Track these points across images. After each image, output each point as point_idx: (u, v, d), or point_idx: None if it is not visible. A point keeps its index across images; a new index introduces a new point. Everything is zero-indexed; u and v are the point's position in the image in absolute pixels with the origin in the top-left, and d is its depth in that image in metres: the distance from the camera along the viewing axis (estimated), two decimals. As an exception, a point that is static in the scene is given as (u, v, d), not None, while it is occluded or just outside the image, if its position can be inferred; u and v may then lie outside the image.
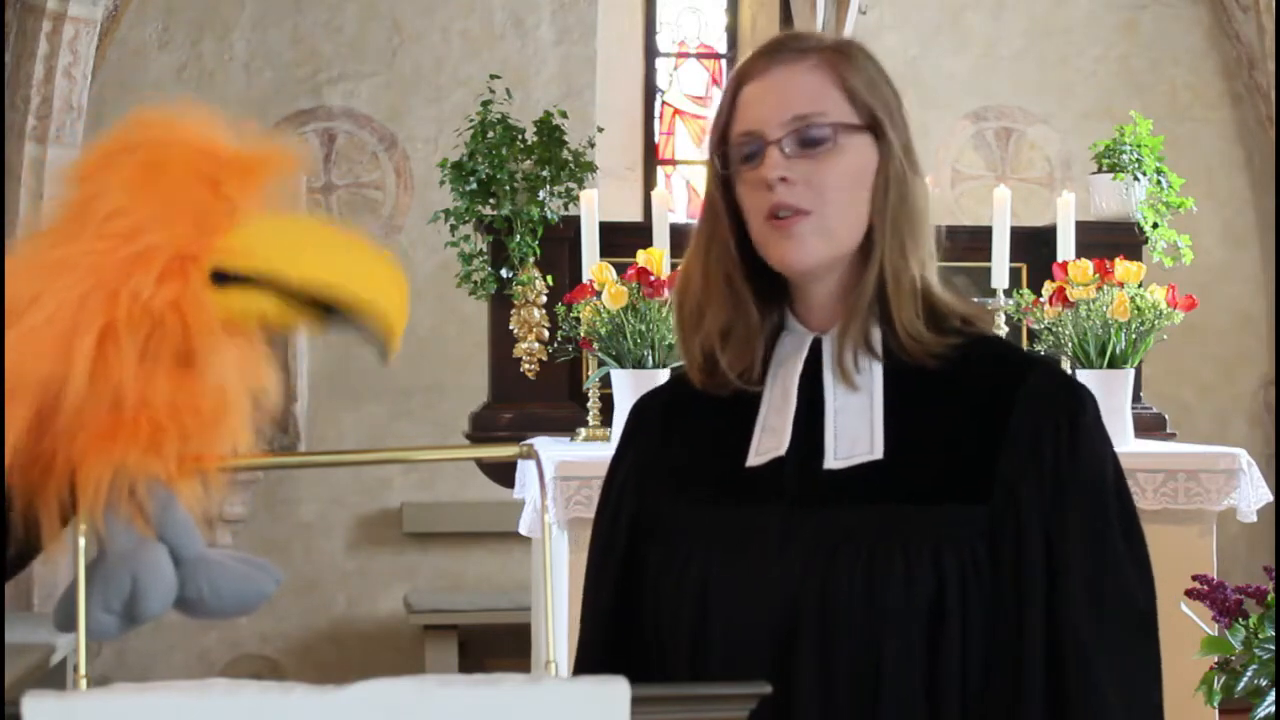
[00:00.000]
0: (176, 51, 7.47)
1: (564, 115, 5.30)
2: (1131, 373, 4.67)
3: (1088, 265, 4.69)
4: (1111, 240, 5.33)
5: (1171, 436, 5.35)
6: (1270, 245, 7.75)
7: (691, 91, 8.23)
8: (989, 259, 4.97)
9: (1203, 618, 2.76)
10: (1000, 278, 4.99)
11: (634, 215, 7.51)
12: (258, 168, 1.48)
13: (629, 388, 4.29)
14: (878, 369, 1.78)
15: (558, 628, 1.37)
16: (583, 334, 4.55)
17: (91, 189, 1.47)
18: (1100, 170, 5.64)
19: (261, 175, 1.49)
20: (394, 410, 7.43)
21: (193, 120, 1.49)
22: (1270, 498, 4.43)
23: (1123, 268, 4.69)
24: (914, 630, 1.69)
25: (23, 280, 1.41)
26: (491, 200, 5.16)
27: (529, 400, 5.22)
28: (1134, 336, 4.63)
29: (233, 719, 1.22)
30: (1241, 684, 2.64)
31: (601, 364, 4.55)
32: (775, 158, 1.74)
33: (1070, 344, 4.67)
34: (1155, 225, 5.46)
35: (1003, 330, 4.97)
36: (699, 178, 8.20)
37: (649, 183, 7.77)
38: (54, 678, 6.22)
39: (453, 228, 5.22)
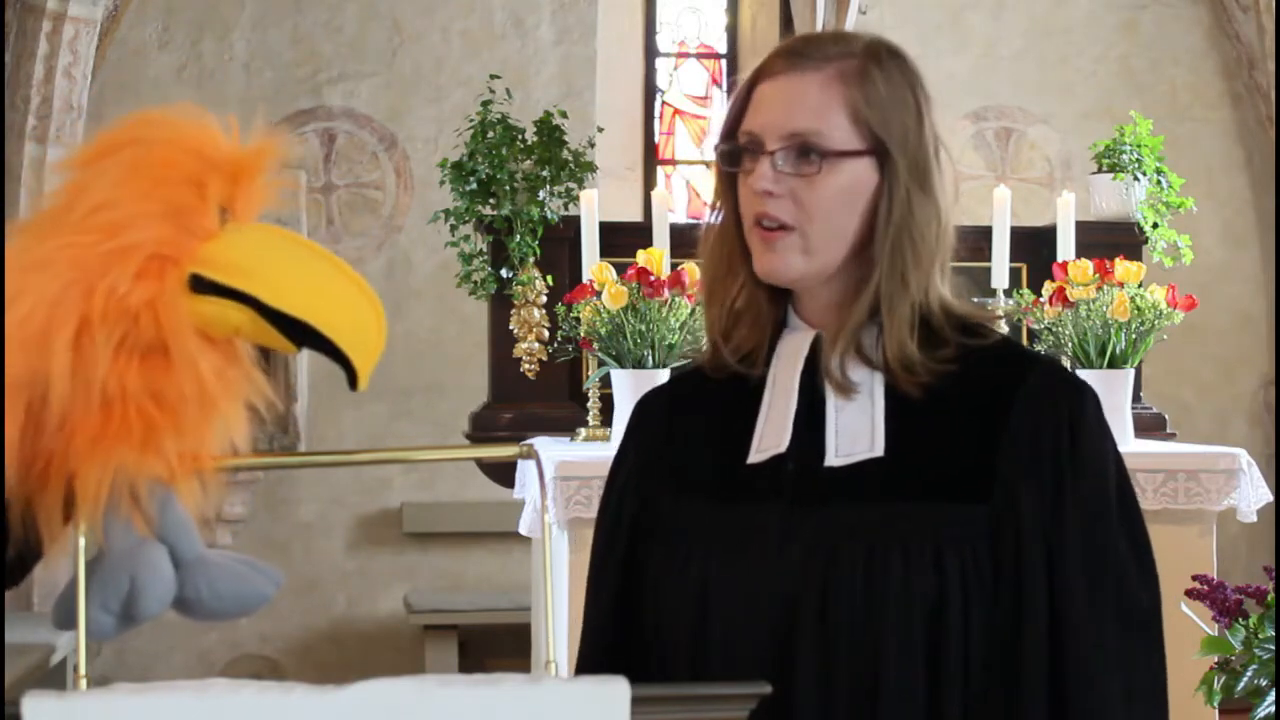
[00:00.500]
0: (176, 51, 7.47)
1: (564, 115, 5.30)
2: (1131, 373, 4.67)
3: (1088, 265, 4.69)
4: (1111, 240, 5.33)
5: (1171, 436, 5.35)
6: (1270, 245, 7.75)
7: (691, 91, 8.23)
8: (989, 259, 4.97)
9: (1203, 618, 2.76)
10: (1000, 278, 4.99)
11: (634, 215, 7.51)
12: (248, 171, 1.48)
13: (629, 388, 4.29)
14: (878, 372, 1.78)
15: (558, 628, 1.37)
16: (583, 334, 4.55)
17: (80, 183, 1.47)
18: (1100, 170, 5.64)
19: (251, 180, 1.48)
20: (394, 410, 7.43)
21: (188, 121, 1.48)
22: (1270, 498, 4.43)
23: (1123, 268, 4.69)
24: (914, 629, 1.69)
25: (7, 276, 1.41)
26: (491, 200, 5.16)
27: (529, 400, 5.22)
28: (1134, 336, 4.63)
29: (233, 719, 1.22)
30: (1241, 684, 2.64)
31: (601, 364, 4.55)
32: (766, 170, 1.74)
33: (1070, 344, 4.67)
34: (1155, 225, 5.46)
35: (1003, 330, 4.97)
36: (699, 178, 8.20)
37: (649, 183, 7.77)
38: (54, 678, 6.22)
39: (453, 228, 5.22)
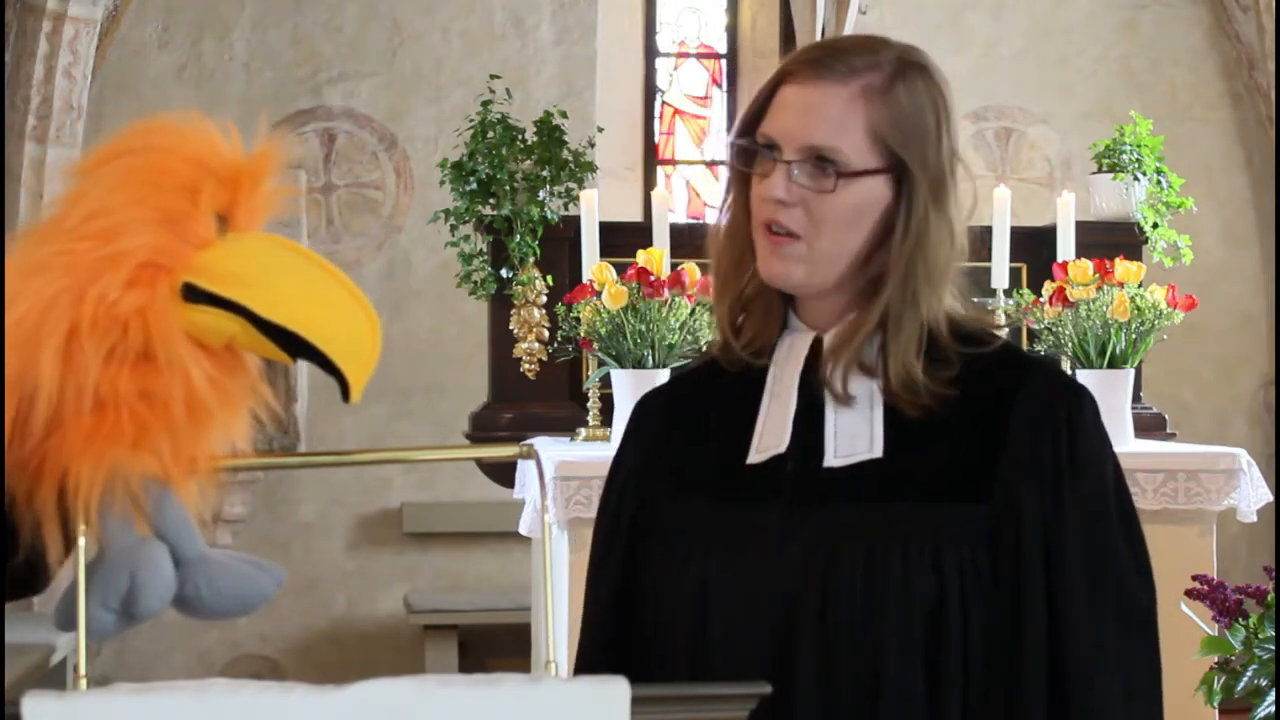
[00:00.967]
0: (176, 51, 7.47)
1: (564, 115, 5.30)
2: (1131, 373, 4.67)
3: (1088, 265, 4.69)
4: (1111, 240, 5.33)
5: (1171, 436, 5.35)
6: (1270, 245, 7.75)
7: (691, 91, 8.23)
8: (989, 259, 4.97)
9: (1203, 618, 2.76)
10: (1000, 278, 4.99)
11: (634, 215, 7.51)
12: (247, 180, 1.48)
13: (629, 388, 4.29)
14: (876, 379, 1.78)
15: (558, 628, 1.37)
16: (583, 334, 4.55)
17: (78, 190, 1.47)
18: (1100, 170, 5.63)
19: (251, 188, 1.48)
20: (394, 410, 7.43)
21: (188, 129, 1.48)
22: (1270, 498, 4.43)
23: (1123, 268, 4.69)
24: (914, 629, 1.69)
25: (6, 281, 1.41)
26: (491, 200, 5.16)
27: (529, 400, 5.22)
28: (1134, 336, 4.63)
29: (233, 719, 1.22)
30: (1241, 684, 2.64)
31: (601, 364, 4.55)
32: (780, 179, 1.74)
33: (1070, 344, 4.67)
34: (1155, 225, 5.46)
35: (1003, 330, 4.97)
36: (699, 178, 8.20)
37: (649, 183, 7.76)
38: (54, 678, 6.22)
39: (453, 228, 5.22)
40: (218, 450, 1.46)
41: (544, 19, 7.67)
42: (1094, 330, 4.62)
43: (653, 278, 4.44)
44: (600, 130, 6.35)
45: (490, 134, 5.17)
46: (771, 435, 1.78)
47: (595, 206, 4.82)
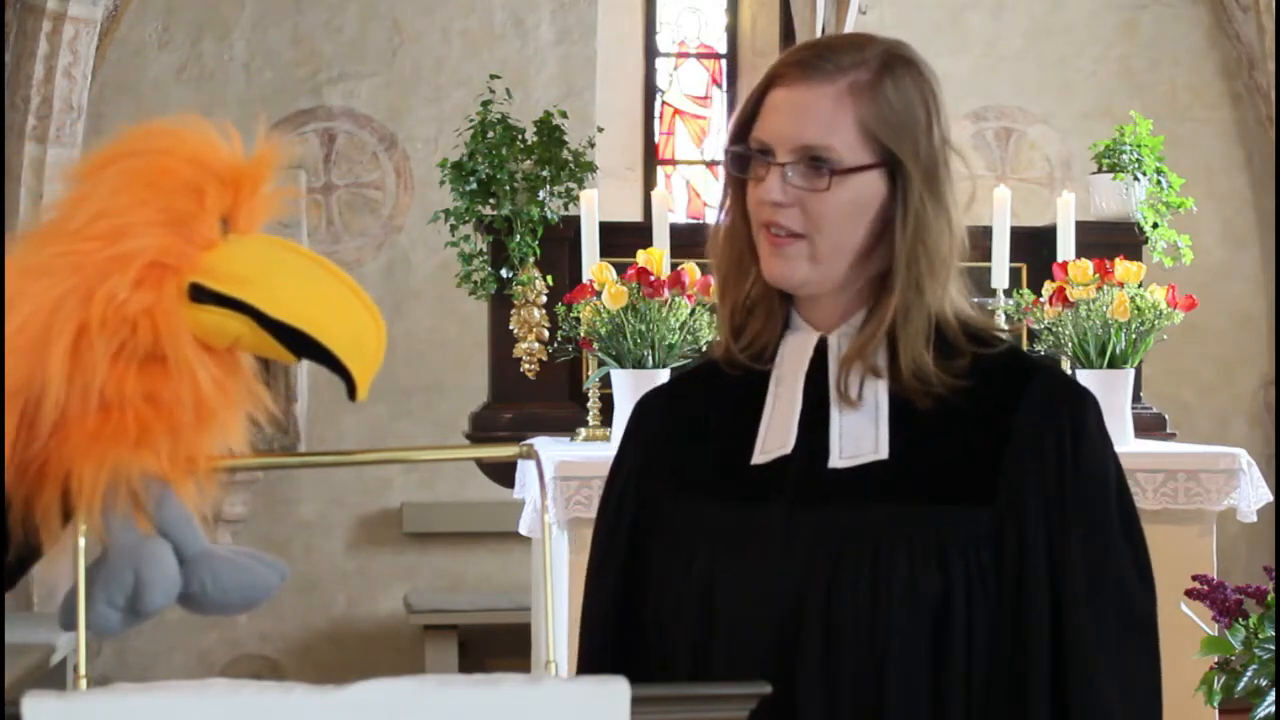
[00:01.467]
0: (176, 51, 7.47)
1: (564, 115, 5.30)
2: (1131, 373, 4.67)
3: (1088, 265, 4.69)
4: (1111, 240, 5.33)
5: (1171, 436, 5.35)
6: (1270, 245, 7.75)
7: (691, 91, 8.23)
8: (989, 259, 4.97)
9: (1203, 618, 2.76)
10: (1000, 278, 4.99)
11: (634, 215, 7.51)
12: (248, 181, 1.48)
13: (629, 388, 4.29)
14: (882, 380, 1.78)
15: (558, 628, 1.37)
16: (583, 334, 4.55)
17: (82, 192, 1.47)
18: (1100, 170, 5.63)
19: (253, 190, 1.49)
20: (394, 410, 7.43)
21: (188, 131, 1.49)
22: (1270, 498, 4.43)
23: (1123, 268, 4.69)
24: (919, 631, 1.69)
25: (7, 283, 1.41)
26: (491, 200, 5.16)
27: (529, 400, 5.22)
28: (1134, 336, 4.63)
29: (233, 719, 1.22)
30: (1241, 684, 2.64)
31: (601, 364, 4.55)
32: (775, 182, 1.74)
33: (1070, 344, 4.67)
34: (1155, 225, 5.46)
35: (1003, 330, 4.97)
36: (699, 178, 8.20)
37: (649, 183, 7.76)
38: (54, 678, 6.22)
39: (453, 228, 5.22)
40: (217, 450, 1.46)
41: (544, 19, 7.67)
42: (1094, 330, 4.62)
43: (653, 278, 4.44)
44: (600, 130, 6.35)
45: (490, 134, 5.17)
46: (776, 436, 1.79)
47: (595, 206, 4.82)
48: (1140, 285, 4.70)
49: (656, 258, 4.52)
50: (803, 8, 5.67)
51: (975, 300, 1.89)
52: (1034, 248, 5.38)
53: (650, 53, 8.13)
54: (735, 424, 1.82)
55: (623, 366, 4.42)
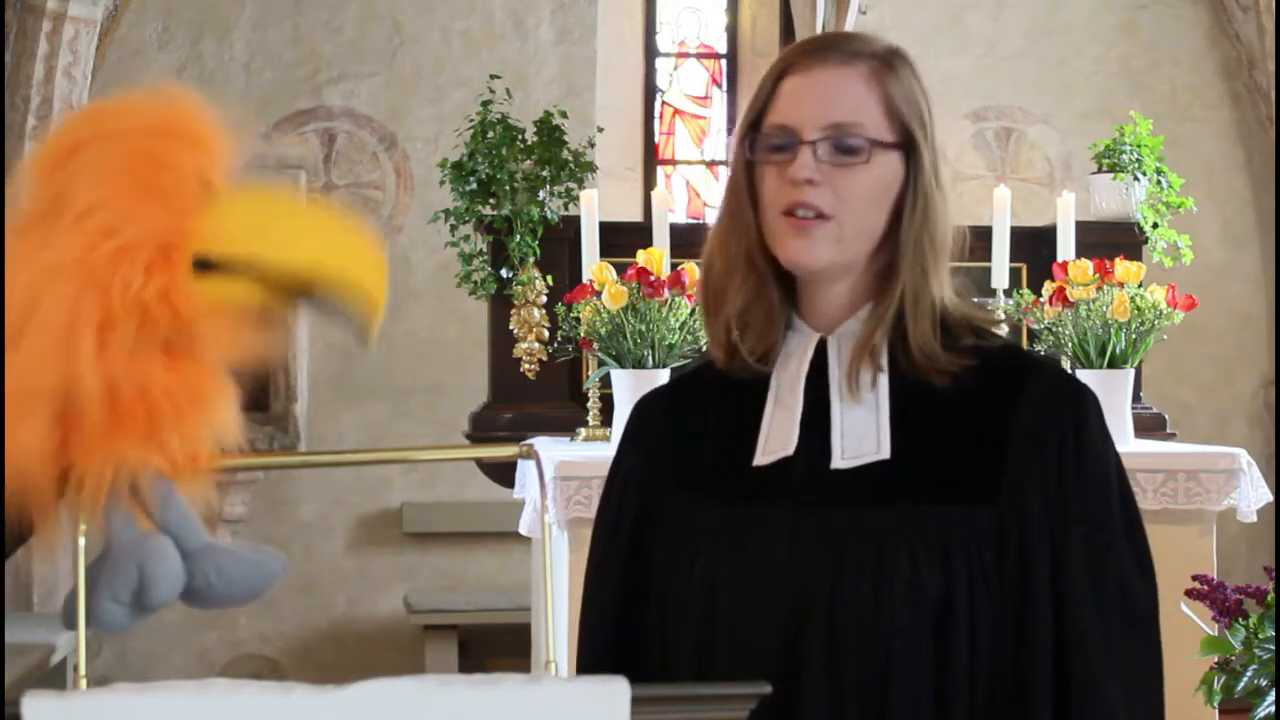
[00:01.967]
0: (176, 51, 7.47)
1: (564, 115, 5.30)
2: (1131, 373, 4.67)
3: (1088, 265, 4.69)
4: (1111, 240, 5.33)
5: (1171, 436, 5.35)
6: (1270, 245, 7.75)
7: (691, 91, 8.23)
8: (989, 259, 4.97)
9: (1203, 618, 2.76)
10: (1000, 278, 4.99)
11: (634, 215, 7.51)
12: (212, 134, 1.49)
13: (629, 388, 4.29)
14: (883, 375, 1.79)
15: (558, 628, 1.37)
16: (583, 334, 4.55)
17: (57, 186, 1.47)
18: (1100, 170, 5.63)
19: (218, 141, 1.49)
20: (394, 410, 7.43)
21: (141, 101, 1.50)
22: (1270, 498, 4.43)
23: (1123, 268, 4.69)
24: (921, 632, 1.69)
25: (13, 289, 1.42)
26: (491, 200, 5.16)
27: (529, 400, 5.22)
28: (1134, 336, 4.63)
29: (233, 719, 1.22)
30: (1241, 684, 2.64)
31: (601, 364, 4.55)
32: (807, 158, 1.74)
33: (1070, 344, 4.67)
34: (1155, 225, 5.46)
35: (1003, 330, 4.96)
36: (699, 178, 8.19)
37: (649, 183, 7.76)
38: (54, 678, 6.22)
39: (453, 228, 5.22)
40: (219, 441, 1.46)
41: (544, 19, 7.67)
42: (1094, 330, 4.62)
43: (653, 278, 4.44)
44: (600, 130, 6.35)
45: (490, 134, 5.17)
46: (778, 437, 1.78)
47: (595, 206, 4.82)
48: (1140, 285, 4.70)
49: (656, 258, 4.52)
50: (803, 8, 5.68)
51: (975, 300, 1.90)
52: (1034, 248, 5.38)
53: (650, 53, 8.13)
54: (735, 425, 1.81)
55: (623, 366, 4.42)
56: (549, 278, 5.15)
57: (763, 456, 1.78)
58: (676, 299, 4.44)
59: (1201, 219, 6.88)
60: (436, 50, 7.60)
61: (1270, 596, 2.68)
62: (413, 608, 7.24)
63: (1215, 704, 2.71)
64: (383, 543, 7.54)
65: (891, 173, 1.77)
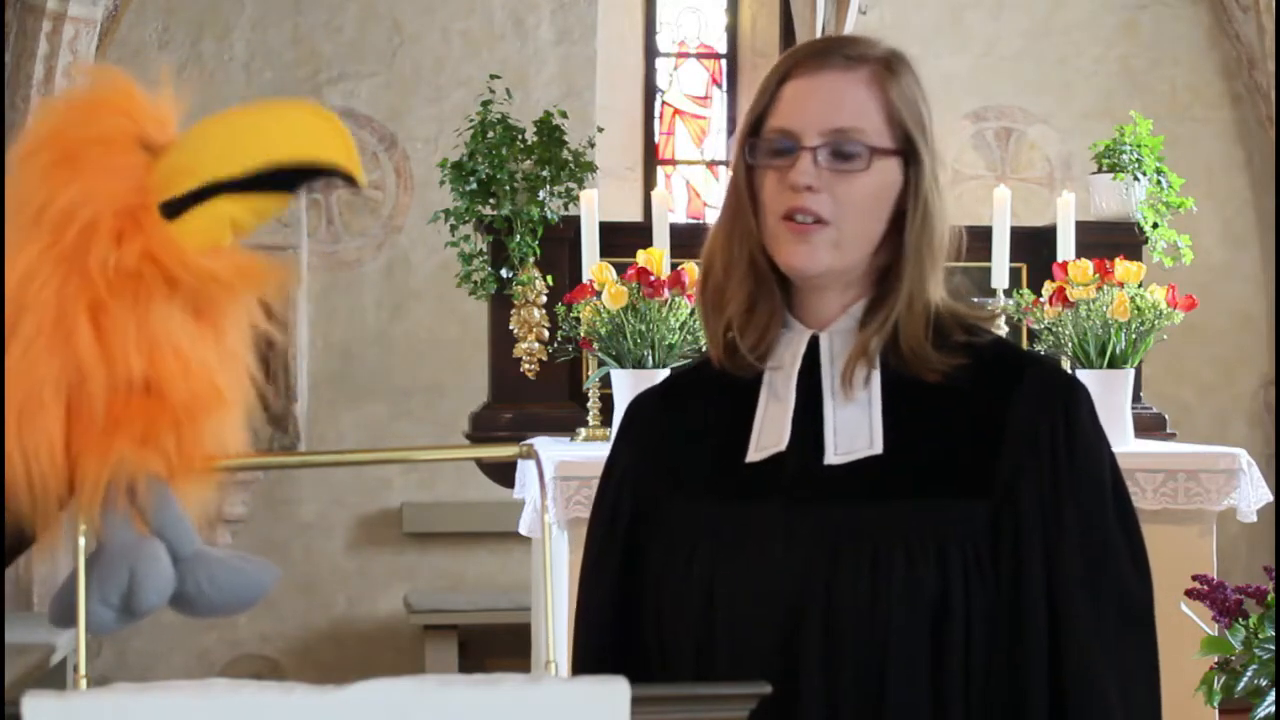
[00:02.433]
0: (176, 51, 7.47)
1: (564, 115, 5.30)
2: (1131, 373, 4.67)
3: (1088, 265, 4.69)
4: (1111, 240, 5.33)
5: (1171, 436, 5.35)
6: (1270, 245, 7.75)
7: (691, 91, 8.23)
8: (989, 259, 4.97)
9: (1203, 618, 2.76)
10: (1000, 278, 4.99)
11: (634, 215, 7.51)
12: (140, 102, 1.50)
13: (629, 388, 4.29)
14: (876, 371, 1.79)
15: (558, 628, 1.37)
16: (583, 334, 4.55)
17: (16, 195, 1.48)
18: (1100, 170, 5.63)
19: (149, 104, 1.50)
20: (394, 410, 7.43)
21: (76, 93, 1.51)
22: (1270, 498, 4.43)
23: (1123, 268, 4.68)
24: (918, 628, 1.70)
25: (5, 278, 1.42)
26: (491, 200, 5.16)
27: (529, 400, 5.21)
28: (1134, 336, 4.63)
29: (233, 719, 1.22)
30: (1241, 684, 2.64)
31: (601, 364, 4.55)
32: (807, 164, 1.75)
33: (1070, 344, 4.67)
34: (1155, 225, 5.46)
35: (1003, 330, 4.97)
36: (699, 178, 8.19)
37: (649, 183, 7.76)
38: (54, 678, 6.22)
39: (453, 228, 5.22)
40: (219, 444, 1.46)
41: (544, 19, 7.67)
42: (1094, 330, 4.62)
43: (653, 278, 4.44)
44: (600, 130, 6.35)
45: (490, 134, 5.17)
46: (771, 434, 1.79)
47: (595, 206, 4.82)
48: (1140, 285, 4.69)
49: (656, 258, 4.51)
50: (803, 8, 5.67)
51: (975, 300, 1.90)
52: (1034, 248, 5.38)
53: (650, 53, 8.13)
54: (729, 422, 1.82)
55: (623, 366, 4.42)
56: (549, 278, 5.15)
57: (755, 453, 1.79)
58: (676, 299, 4.44)
59: (1201, 219, 6.88)
60: (436, 50, 7.60)
61: (1270, 596, 2.68)
62: (413, 608, 7.24)
63: (1215, 704, 2.71)
64: (383, 543, 7.54)
65: (891, 179, 1.77)
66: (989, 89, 7.89)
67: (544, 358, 5.14)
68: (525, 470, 4.50)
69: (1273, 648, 2.63)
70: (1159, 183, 5.52)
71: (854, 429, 1.77)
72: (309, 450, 7.18)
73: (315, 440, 7.34)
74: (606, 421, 4.73)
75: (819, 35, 5.60)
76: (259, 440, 1.53)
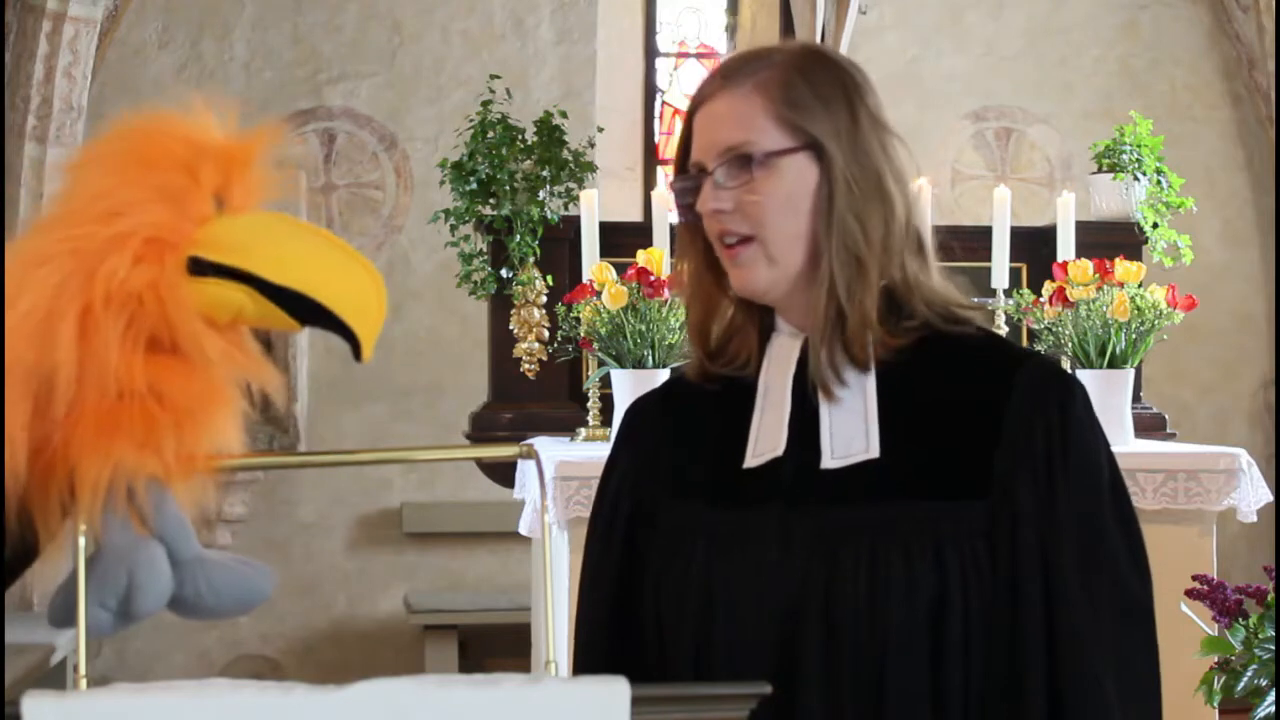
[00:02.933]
0: (176, 51, 7.47)
1: (564, 115, 5.30)
2: (1131, 373, 4.67)
3: (1088, 265, 4.69)
4: (1111, 240, 5.33)
5: (1171, 436, 5.35)
6: (1270, 245, 7.75)
7: (691, 91, 8.21)
8: (989, 259, 4.97)
9: (1203, 618, 2.76)
10: (1000, 278, 4.99)
11: (634, 215, 7.51)
12: (241, 159, 1.49)
13: (629, 388, 4.29)
14: (869, 373, 1.78)
15: (558, 628, 1.37)
16: (583, 334, 4.55)
17: (75, 180, 1.48)
18: (1100, 170, 5.63)
19: (245, 168, 1.49)
20: (394, 410, 7.43)
21: (178, 113, 1.50)
22: (1270, 498, 4.43)
23: (1123, 268, 4.69)
24: (916, 627, 1.70)
25: (9, 274, 1.42)
26: (491, 200, 5.16)
27: (529, 400, 5.21)
28: (1134, 336, 4.63)
29: (233, 719, 1.22)
30: (1241, 684, 2.64)
31: (601, 364, 4.55)
32: (708, 190, 1.78)
33: (1070, 344, 4.67)
34: (1155, 225, 5.46)
35: (1003, 330, 4.97)
36: (699, 178, 8.18)
37: (649, 183, 7.76)
38: (54, 678, 6.22)
39: (453, 228, 5.22)
40: (218, 446, 1.46)
41: (544, 19, 7.67)
42: (1094, 330, 4.62)
43: (653, 278, 4.44)
44: (600, 130, 6.35)
45: (490, 134, 5.17)
46: (767, 439, 1.79)
47: (595, 206, 4.82)
48: (1140, 285, 4.70)
49: (656, 258, 4.52)
50: (803, 8, 5.67)
51: (975, 300, 1.90)
52: (1034, 248, 5.38)
53: (650, 53, 8.13)
54: (728, 426, 1.82)
55: (623, 366, 4.42)
56: (549, 278, 5.15)
57: (753, 459, 1.79)
58: (676, 299, 4.44)
59: (1201, 219, 6.88)
60: (436, 50, 7.60)
61: (1270, 596, 2.68)
62: (413, 608, 7.24)
63: (1215, 704, 2.71)
64: (383, 543, 7.54)
65: (802, 179, 1.76)
66: (989, 89, 7.89)
67: (544, 358, 5.14)
68: (525, 470, 4.50)
69: (1273, 648, 2.63)
70: (1159, 183, 5.52)
71: (850, 432, 1.77)
72: (309, 450, 7.18)
73: (315, 440, 7.34)
74: (606, 422, 4.73)
75: (819, 36, 5.60)
76: (259, 440, 1.52)
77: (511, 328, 5.17)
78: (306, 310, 1.46)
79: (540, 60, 7.64)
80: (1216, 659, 2.70)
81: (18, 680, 5.72)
